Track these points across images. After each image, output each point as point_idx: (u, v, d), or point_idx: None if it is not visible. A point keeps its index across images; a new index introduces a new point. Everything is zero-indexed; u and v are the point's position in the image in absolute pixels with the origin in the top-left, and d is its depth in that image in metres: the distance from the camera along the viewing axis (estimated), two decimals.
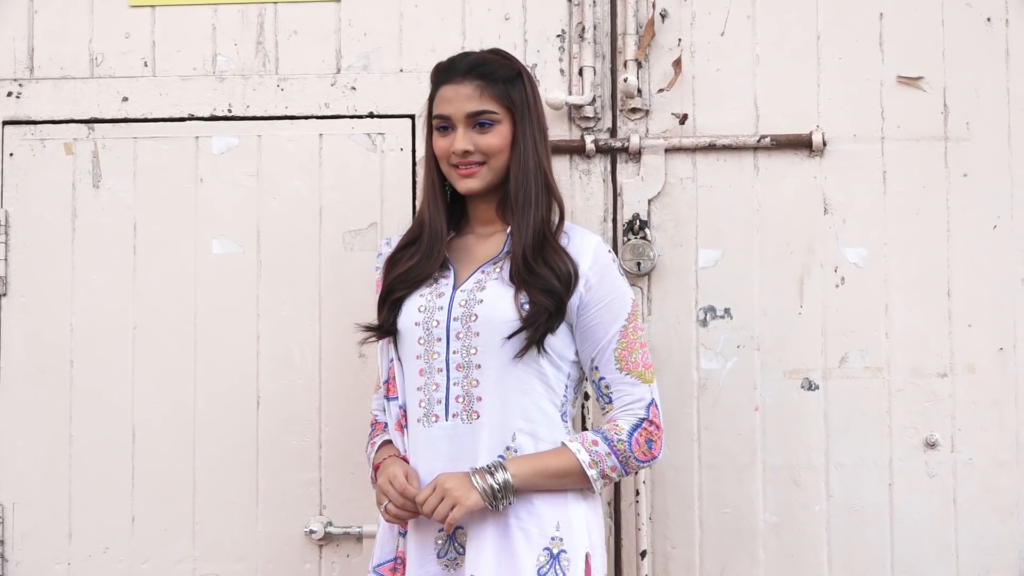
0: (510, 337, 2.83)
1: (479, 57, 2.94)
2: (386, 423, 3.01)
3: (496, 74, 2.91)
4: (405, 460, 2.92)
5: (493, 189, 2.94)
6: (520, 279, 2.84)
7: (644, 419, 2.86)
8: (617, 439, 2.84)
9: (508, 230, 2.91)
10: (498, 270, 2.89)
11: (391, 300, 2.91)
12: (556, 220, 2.92)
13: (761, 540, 3.34)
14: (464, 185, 2.91)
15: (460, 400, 2.86)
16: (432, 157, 2.95)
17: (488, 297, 2.86)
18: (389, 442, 2.99)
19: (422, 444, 2.88)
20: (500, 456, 2.84)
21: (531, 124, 2.92)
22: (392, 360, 2.95)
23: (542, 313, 2.82)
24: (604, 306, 2.89)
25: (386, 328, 2.91)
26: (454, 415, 2.86)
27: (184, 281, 3.42)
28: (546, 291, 2.83)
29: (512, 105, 2.91)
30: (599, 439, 2.84)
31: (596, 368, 2.90)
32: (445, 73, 2.93)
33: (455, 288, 2.90)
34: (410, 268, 2.91)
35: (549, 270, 2.84)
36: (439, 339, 2.88)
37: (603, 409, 2.91)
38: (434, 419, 2.87)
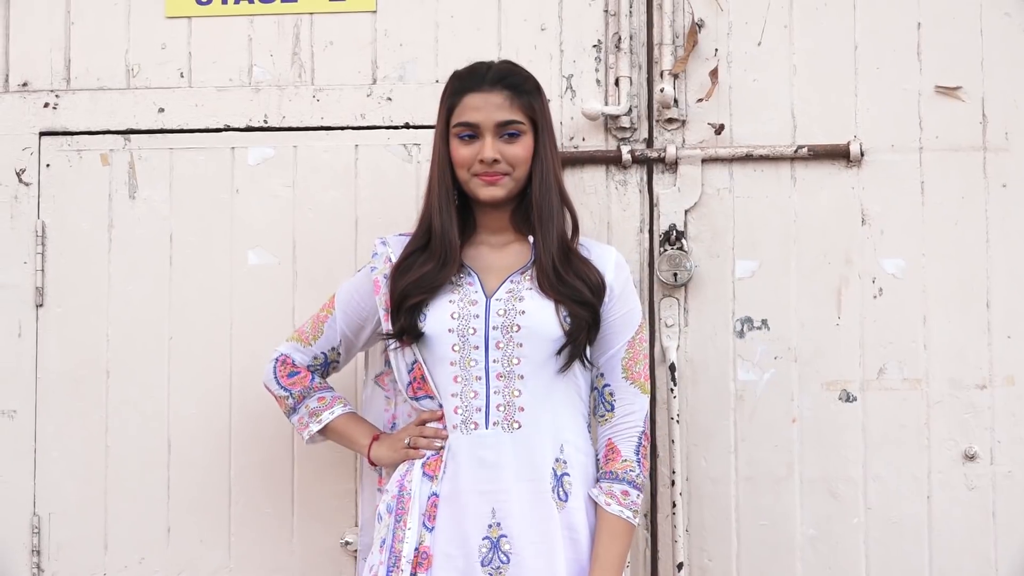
0: (559, 352, 2.86)
1: (506, 67, 2.97)
2: (313, 375, 3.09)
3: (523, 85, 2.94)
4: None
5: (507, 200, 2.97)
6: (553, 290, 2.89)
7: (641, 433, 2.95)
8: (635, 475, 2.93)
9: (530, 240, 2.94)
10: (528, 279, 2.92)
11: (408, 307, 2.91)
12: (571, 231, 2.97)
13: (799, 553, 3.32)
14: (488, 193, 2.93)
15: (501, 409, 2.88)
16: (447, 162, 2.95)
17: (530, 308, 2.89)
18: (353, 414, 3.10)
19: (463, 450, 2.89)
20: (552, 468, 2.88)
21: (549, 136, 2.96)
22: (416, 361, 2.95)
23: (583, 326, 2.88)
24: (621, 317, 2.95)
25: (413, 333, 2.91)
26: (494, 423, 2.88)
27: (220, 292, 3.42)
28: (581, 303, 2.89)
29: (535, 117, 2.94)
30: (627, 488, 2.92)
31: (602, 375, 2.96)
32: (470, 81, 2.94)
33: (488, 296, 2.91)
34: (425, 274, 2.91)
35: (580, 281, 2.89)
36: (476, 347, 2.89)
37: (601, 416, 2.97)
38: (473, 427, 2.89)
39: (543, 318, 2.89)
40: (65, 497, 3.41)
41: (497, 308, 2.90)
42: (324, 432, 3.11)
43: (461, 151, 2.94)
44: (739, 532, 3.33)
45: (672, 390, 3.30)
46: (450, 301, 2.92)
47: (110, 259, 3.44)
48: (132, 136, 3.45)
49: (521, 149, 2.93)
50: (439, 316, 2.91)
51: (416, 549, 2.86)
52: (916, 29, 3.37)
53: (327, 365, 3.15)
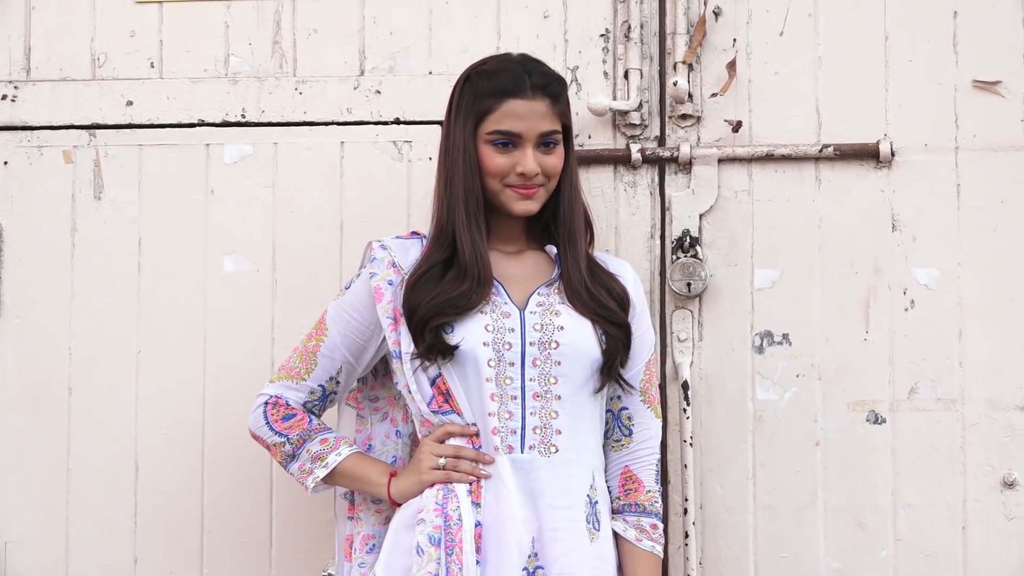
0: (601, 372, 2.86)
1: (543, 71, 2.90)
2: (310, 416, 2.97)
3: (562, 93, 2.89)
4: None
5: None
6: (588, 309, 2.87)
7: (657, 460, 2.94)
8: (659, 506, 2.93)
9: (548, 251, 2.92)
10: (558, 293, 2.89)
11: (436, 325, 2.80)
12: (588, 241, 2.98)
13: None
14: (524, 206, 2.87)
15: (537, 431, 2.83)
16: (476, 170, 2.85)
17: (568, 325, 2.85)
18: (362, 454, 2.97)
19: (503, 474, 2.82)
20: (587, 495, 2.84)
21: (573, 143, 2.96)
22: (439, 375, 2.84)
23: (619, 346, 2.87)
24: (639, 336, 2.93)
25: (443, 350, 2.81)
26: (530, 447, 2.82)
27: (193, 302, 3.34)
28: (616, 323, 2.87)
29: (569, 124, 2.92)
30: (655, 521, 2.92)
31: (619, 398, 2.94)
32: (511, 84, 2.84)
33: (521, 309, 2.85)
34: (458, 295, 2.82)
35: (611, 297, 2.90)
36: (512, 363, 2.82)
37: (617, 441, 2.94)
38: (507, 450, 2.82)
39: (583, 336, 2.84)
40: (24, 524, 3.33)
41: (532, 322, 2.84)
42: (330, 477, 2.95)
43: (497, 160, 2.84)
44: (757, 565, 3.25)
45: (685, 410, 3.22)
46: (481, 313, 2.83)
47: (73, 265, 3.36)
48: (98, 131, 3.37)
49: (558, 159, 2.88)
50: (473, 329, 2.82)
51: None
52: (952, 19, 3.29)
53: (325, 399, 3.00)
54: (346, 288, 2.99)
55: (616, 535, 2.88)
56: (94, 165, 3.35)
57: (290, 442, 2.94)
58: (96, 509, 3.31)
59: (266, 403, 2.97)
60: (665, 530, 3.16)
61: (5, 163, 3.35)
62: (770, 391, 3.24)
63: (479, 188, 2.84)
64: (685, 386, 3.20)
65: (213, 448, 3.30)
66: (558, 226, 2.89)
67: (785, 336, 3.25)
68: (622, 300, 2.89)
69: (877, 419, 3.23)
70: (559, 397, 2.81)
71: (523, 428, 2.81)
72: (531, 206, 2.86)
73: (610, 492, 2.90)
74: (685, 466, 3.20)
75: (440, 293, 2.81)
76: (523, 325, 2.82)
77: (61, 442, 3.31)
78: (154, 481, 3.30)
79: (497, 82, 2.84)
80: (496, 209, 2.89)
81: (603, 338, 2.84)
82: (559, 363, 2.81)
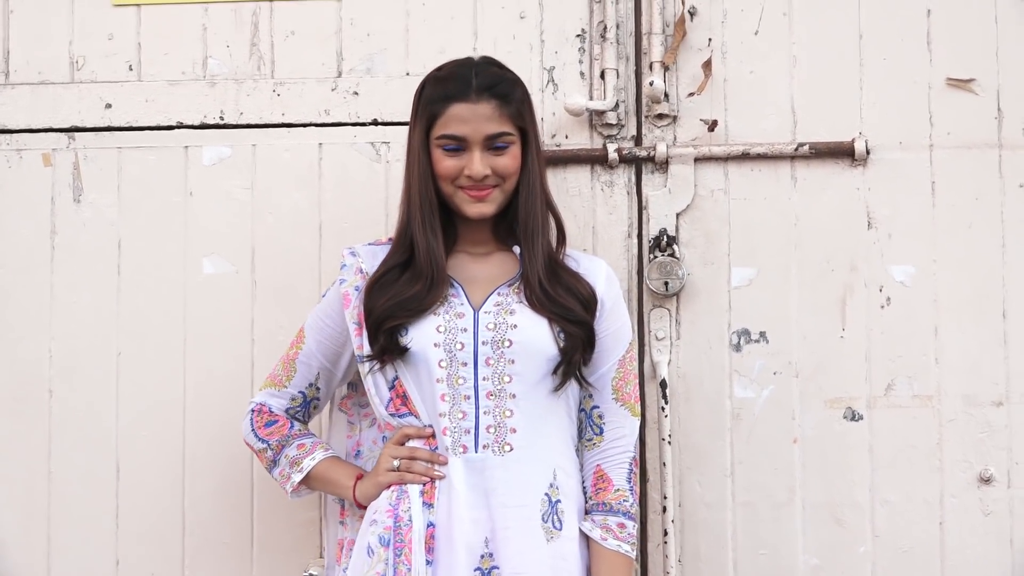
0: (555, 371, 2.83)
1: (493, 73, 2.87)
2: (292, 422, 2.99)
3: (512, 93, 2.86)
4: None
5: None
6: (544, 307, 2.84)
7: (632, 459, 2.90)
8: (628, 505, 2.88)
9: (515, 251, 2.90)
10: (516, 292, 2.86)
11: (388, 328, 2.81)
12: (555, 241, 2.93)
13: None
14: (477, 209, 2.86)
15: (491, 431, 2.81)
16: (429, 175, 2.85)
17: (522, 323, 2.83)
18: (335, 458, 2.97)
19: (453, 475, 2.81)
20: (546, 494, 2.81)
21: (536, 143, 2.91)
22: (397, 377, 2.85)
23: (578, 345, 2.83)
24: (611, 333, 2.90)
25: (395, 351, 2.81)
26: (484, 446, 2.81)
27: (172, 303, 3.32)
28: (575, 321, 2.84)
29: (524, 124, 2.87)
30: (622, 520, 2.87)
31: (590, 396, 2.91)
32: (455, 87, 2.83)
33: (476, 309, 2.83)
34: (411, 297, 2.82)
35: (572, 296, 2.85)
36: (464, 363, 2.81)
37: (588, 440, 2.91)
38: (461, 450, 2.81)
39: (537, 334, 2.82)
40: (4, 527, 3.31)
41: (486, 322, 2.82)
42: (307, 482, 2.97)
43: (446, 163, 2.84)
44: (736, 562, 3.24)
45: (663, 409, 3.21)
46: (435, 314, 2.83)
47: (53, 268, 3.34)
48: (77, 134, 3.35)
49: (510, 160, 2.84)
50: (424, 331, 2.82)
51: None
52: (926, 17, 3.28)
53: (307, 405, 3.02)
54: (323, 296, 3.02)
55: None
56: (73, 168, 3.33)
57: (271, 448, 2.97)
58: (77, 511, 3.28)
59: (252, 410, 3.00)
60: (644, 528, 3.21)
61: None
62: (748, 389, 3.24)
63: (433, 192, 2.84)
64: (663, 384, 3.19)
65: (194, 449, 3.28)
66: (518, 226, 2.87)
67: (762, 334, 3.24)
68: (586, 299, 2.85)
69: (854, 416, 3.22)
70: (514, 396, 2.79)
71: (477, 427, 2.79)
72: (484, 208, 2.84)
73: (584, 492, 2.89)
74: (663, 464, 3.17)
75: (394, 295, 2.81)
76: (476, 325, 2.81)
77: (42, 444, 3.29)
78: (135, 482, 3.28)
79: (443, 87, 2.84)
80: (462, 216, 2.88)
81: (560, 336, 2.81)
82: (513, 361, 2.79)
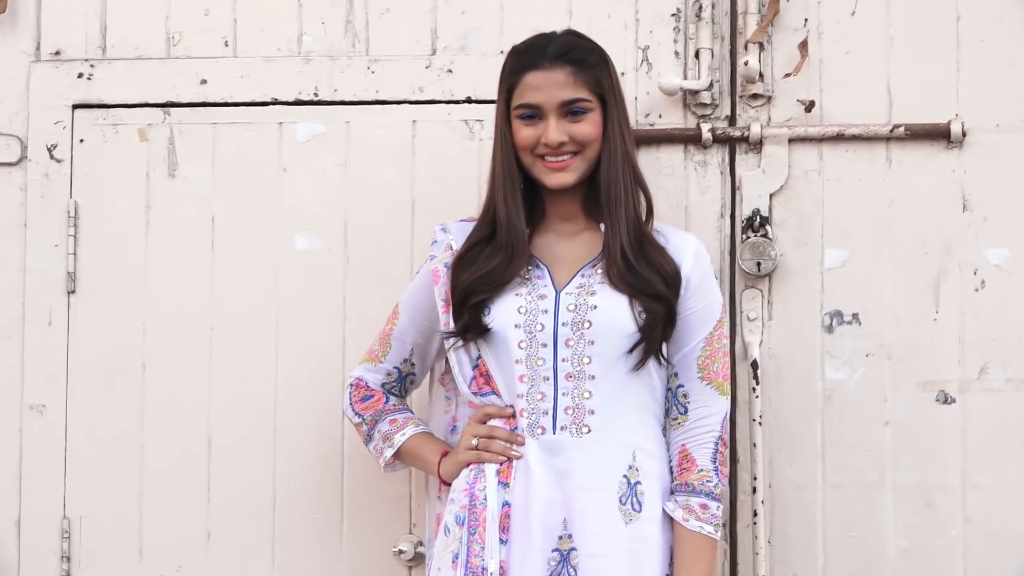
0: (632, 349, 2.77)
1: (568, 40, 2.85)
2: (387, 396, 3.01)
3: (587, 60, 2.83)
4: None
5: (579, 184, 2.86)
6: (625, 282, 2.79)
7: (718, 438, 2.84)
8: (712, 485, 2.82)
9: (603, 228, 2.84)
10: (600, 272, 2.82)
11: (472, 304, 2.81)
12: (644, 214, 2.88)
13: (891, 567, 3.21)
14: (557, 179, 2.83)
15: (569, 412, 2.79)
16: (510, 146, 2.84)
17: (603, 304, 2.79)
18: (425, 434, 2.98)
19: (529, 456, 2.79)
20: (624, 476, 2.77)
21: (619, 111, 2.86)
22: (480, 356, 2.85)
23: (658, 321, 2.79)
24: (698, 311, 2.85)
25: (477, 329, 2.81)
26: (562, 428, 2.79)
27: (265, 279, 3.33)
28: (655, 296, 2.79)
29: (603, 91, 2.83)
30: (705, 501, 2.81)
31: (676, 375, 2.87)
32: (530, 57, 2.83)
33: (558, 291, 2.81)
34: (492, 269, 2.81)
35: (654, 272, 2.80)
36: (544, 344, 2.79)
37: (674, 419, 2.87)
38: (540, 431, 2.79)
39: (616, 313, 2.78)
40: (97, 499, 3.33)
41: (567, 303, 2.80)
42: (399, 457, 2.98)
43: (524, 132, 2.82)
44: (826, 544, 3.22)
45: (754, 389, 3.19)
46: (517, 295, 2.82)
47: (147, 242, 3.36)
48: (172, 110, 3.36)
49: (589, 127, 2.81)
50: (505, 311, 2.81)
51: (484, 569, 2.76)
52: None
53: (403, 380, 3.04)
54: (416, 272, 3.03)
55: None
56: (168, 143, 3.34)
57: (365, 422, 2.99)
58: (169, 484, 3.31)
59: (351, 384, 3.02)
60: (733, 509, 3.20)
61: (81, 141, 3.34)
62: (839, 371, 3.21)
63: (514, 164, 2.83)
64: (755, 365, 3.18)
65: (285, 425, 3.29)
66: (601, 198, 2.83)
67: (855, 316, 3.22)
68: (669, 275, 2.80)
69: (947, 399, 3.19)
70: (593, 377, 2.77)
71: (555, 409, 2.78)
72: (565, 178, 2.80)
73: (671, 472, 2.86)
74: (754, 445, 3.17)
75: (476, 270, 2.81)
76: (557, 306, 2.79)
77: (135, 417, 3.31)
78: (226, 457, 3.30)
79: (520, 59, 2.83)
80: (547, 188, 2.86)
81: (641, 314, 2.77)
82: (592, 342, 2.76)
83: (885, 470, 3.20)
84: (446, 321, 2.86)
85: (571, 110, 2.80)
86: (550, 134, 2.79)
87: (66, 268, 3.33)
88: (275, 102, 3.34)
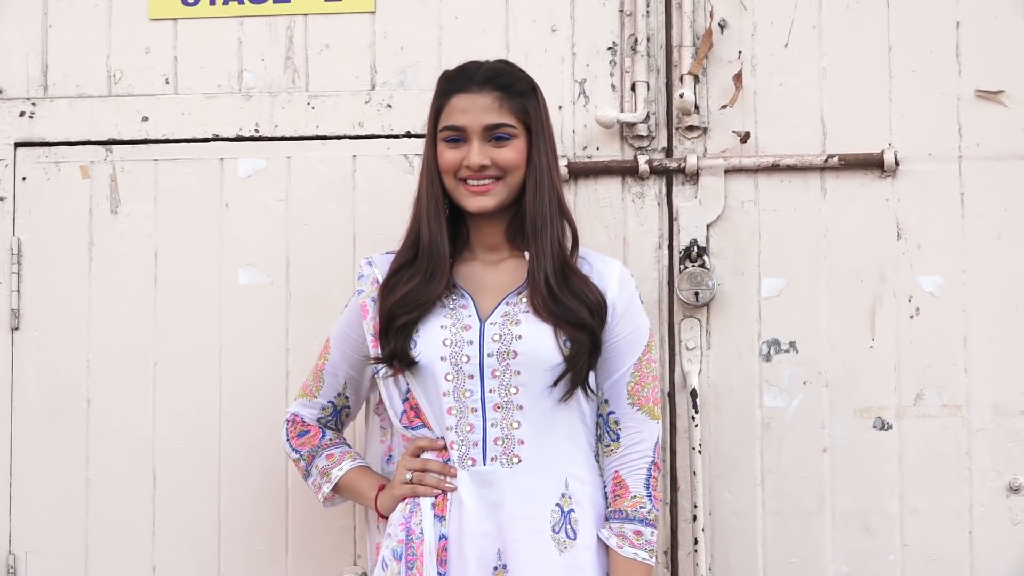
0: (557, 381, 2.76)
1: (496, 67, 2.86)
2: (324, 431, 3.00)
3: (515, 86, 2.83)
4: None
5: (501, 211, 2.85)
6: (549, 311, 2.78)
7: (651, 464, 2.83)
8: (646, 511, 2.81)
9: (527, 256, 2.82)
10: (524, 301, 2.81)
11: (396, 327, 2.79)
12: (570, 245, 2.86)
13: None
14: (476, 203, 2.81)
15: (499, 443, 2.79)
16: (435, 170, 2.84)
17: (527, 333, 2.78)
18: (363, 468, 2.97)
19: (462, 488, 2.79)
20: (557, 504, 2.77)
21: (545, 141, 2.85)
22: (409, 389, 2.84)
23: (583, 352, 2.78)
24: (625, 338, 2.84)
25: (404, 360, 2.79)
26: (492, 459, 2.78)
27: (208, 314, 3.33)
28: (579, 325, 2.78)
29: (529, 120, 2.83)
30: (639, 528, 2.81)
31: (606, 402, 2.85)
32: (458, 81, 2.84)
33: (482, 321, 2.80)
34: (410, 291, 2.80)
35: (578, 301, 2.78)
36: (471, 376, 2.78)
37: (607, 447, 2.86)
38: (470, 463, 2.79)
39: (541, 343, 2.77)
40: (43, 534, 3.33)
41: (492, 333, 2.79)
42: (337, 491, 2.98)
43: (448, 155, 2.82)
44: (766, 570, 3.23)
45: (694, 418, 3.21)
46: (441, 327, 2.80)
47: (91, 279, 3.36)
48: (114, 147, 3.37)
49: (512, 153, 2.81)
50: (430, 342, 2.79)
51: None
52: (955, 29, 3.27)
53: (338, 414, 3.03)
54: (345, 307, 3.01)
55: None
56: (110, 180, 3.34)
57: (303, 458, 2.99)
58: (114, 518, 3.30)
59: (288, 420, 3.02)
60: (674, 536, 3.20)
61: (23, 179, 3.35)
62: (778, 398, 3.23)
63: (439, 186, 2.82)
64: (693, 394, 3.19)
65: (229, 457, 3.29)
66: (525, 226, 2.82)
67: (792, 344, 3.23)
68: (593, 304, 2.78)
69: (884, 425, 3.21)
70: (520, 407, 2.76)
71: (484, 440, 2.77)
72: (485, 202, 2.79)
73: (606, 498, 2.85)
74: (694, 473, 3.17)
75: (398, 292, 2.80)
76: (482, 337, 2.78)
77: (79, 452, 3.31)
78: (171, 490, 3.30)
79: (448, 82, 2.84)
80: (472, 215, 2.84)
81: (566, 343, 2.76)
82: (518, 372, 2.76)
83: (824, 496, 3.21)
84: (376, 355, 2.85)
85: (495, 135, 2.79)
86: (472, 156, 2.78)
87: (10, 305, 3.33)
88: (216, 138, 3.35)
